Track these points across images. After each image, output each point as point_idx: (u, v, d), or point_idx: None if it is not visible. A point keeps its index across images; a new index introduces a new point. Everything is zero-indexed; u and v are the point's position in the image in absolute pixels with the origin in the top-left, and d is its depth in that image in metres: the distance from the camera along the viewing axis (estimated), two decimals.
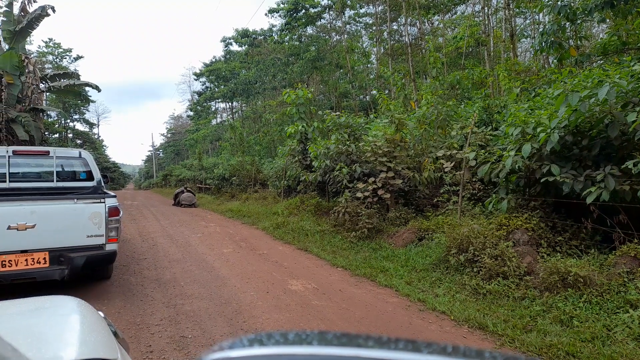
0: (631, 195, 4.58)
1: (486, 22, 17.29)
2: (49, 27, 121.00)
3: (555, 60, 9.60)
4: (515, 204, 6.12)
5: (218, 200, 19.85)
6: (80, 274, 5.10)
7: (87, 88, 19.30)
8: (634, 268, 4.26)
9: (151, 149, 67.56)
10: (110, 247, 5.24)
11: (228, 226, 11.70)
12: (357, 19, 27.17)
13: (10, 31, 16.10)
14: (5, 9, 16.53)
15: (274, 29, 27.95)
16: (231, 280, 5.88)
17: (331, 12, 24.78)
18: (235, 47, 33.76)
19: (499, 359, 0.57)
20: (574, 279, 4.29)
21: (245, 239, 9.47)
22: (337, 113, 10.68)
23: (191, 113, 48.05)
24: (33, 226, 4.76)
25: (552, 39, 8.24)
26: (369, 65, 26.74)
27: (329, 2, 23.38)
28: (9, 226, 4.64)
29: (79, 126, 46.23)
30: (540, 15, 15.76)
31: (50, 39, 38.20)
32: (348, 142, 9.61)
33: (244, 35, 29.91)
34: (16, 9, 16.69)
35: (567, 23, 8.26)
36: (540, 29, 9.26)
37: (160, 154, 69.75)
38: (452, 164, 8.05)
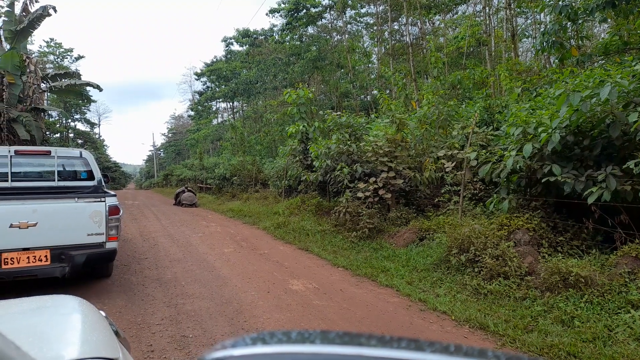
0: (632, 195, 4.58)
1: (487, 22, 17.28)
2: (50, 27, 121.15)
3: (556, 60, 9.59)
4: (517, 204, 6.11)
5: (219, 200, 19.86)
6: (81, 271, 5.18)
7: (88, 88, 19.30)
8: (635, 268, 4.26)
9: (152, 148, 67.60)
10: (110, 245, 5.34)
11: (229, 226, 11.71)
12: (358, 19, 27.17)
13: (12, 31, 16.12)
14: (6, 9, 16.56)
15: (275, 28, 27.99)
16: (232, 280, 5.88)
17: (332, 12, 24.78)
18: (236, 47, 33.82)
19: (501, 358, 0.57)
20: (575, 279, 4.28)
21: (246, 238, 9.47)
22: (338, 113, 10.68)
23: (192, 113, 48.09)
24: (35, 224, 4.85)
25: (554, 38, 8.24)
26: (370, 65, 26.74)
27: (330, 2, 23.38)
28: (11, 224, 4.74)
29: (80, 126, 46.33)
30: (542, 15, 15.74)
31: (52, 39, 38.25)
32: (349, 142, 9.61)
33: (244, 35, 29.94)
34: (17, 9, 16.71)
35: (569, 23, 8.25)
36: (542, 29, 9.26)
37: (161, 154, 69.79)
38: (453, 164, 8.04)
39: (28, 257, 4.85)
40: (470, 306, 4.51)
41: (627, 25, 8.16)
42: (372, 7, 26.02)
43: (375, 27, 26.45)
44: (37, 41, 42.58)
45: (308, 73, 23.70)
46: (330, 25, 26.29)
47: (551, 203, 5.87)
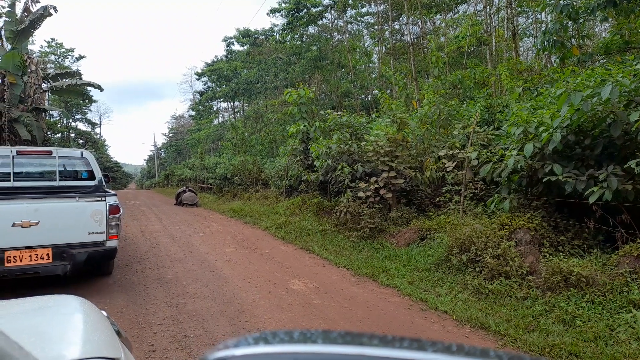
0: (634, 194, 4.57)
1: (488, 21, 17.25)
2: (51, 27, 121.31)
3: (557, 60, 9.57)
4: (518, 203, 6.10)
5: (220, 200, 19.86)
6: (82, 269, 5.27)
7: (89, 88, 19.31)
8: (636, 268, 4.25)
9: (153, 148, 67.61)
10: (110, 243, 5.44)
11: (230, 226, 11.71)
12: (359, 19, 27.15)
13: (13, 31, 16.14)
14: (7, 9, 16.57)
15: (276, 28, 27.97)
16: (233, 280, 5.89)
17: (333, 12, 24.77)
18: (236, 47, 33.81)
19: (503, 358, 0.57)
20: (577, 278, 4.28)
21: (247, 238, 9.48)
22: (339, 113, 10.68)
23: (193, 113, 48.10)
24: (37, 223, 4.94)
25: (555, 38, 8.22)
26: (370, 65, 26.73)
27: (331, 1, 23.36)
28: (14, 223, 4.83)
29: (81, 126, 46.37)
30: (543, 14, 15.73)
31: (53, 39, 38.27)
32: (350, 142, 9.60)
33: (245, 35, 29.93)
34: (19, 9, 16.74)
35: (570, 22, 8.24)
36: (543, 28, 9.25)
37: (162, 154, 69.79)
38: (454, 164, 8.04)
39: (30, 256, 4.93)
40: (471, 306, 4.51)
41: (628, 24, 8.15)
42: (372, 6, 26.01)
43: (375, 27, 26.43)
44: (38, 41, 42.74)
45: (309, 73, 23.70)
46: (331, 24, 26.28)
47: (552, 202, 5.86)
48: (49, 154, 6.33)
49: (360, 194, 8.54)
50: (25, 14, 16.51)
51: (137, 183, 77.12)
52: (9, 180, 6.03)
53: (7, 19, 16.35)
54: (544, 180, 5.39)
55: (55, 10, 16.28)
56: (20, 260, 4.88)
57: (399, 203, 8.88)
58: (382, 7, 24.73)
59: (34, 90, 16.23)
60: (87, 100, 26.43)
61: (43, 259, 5.01)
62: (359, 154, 9.36)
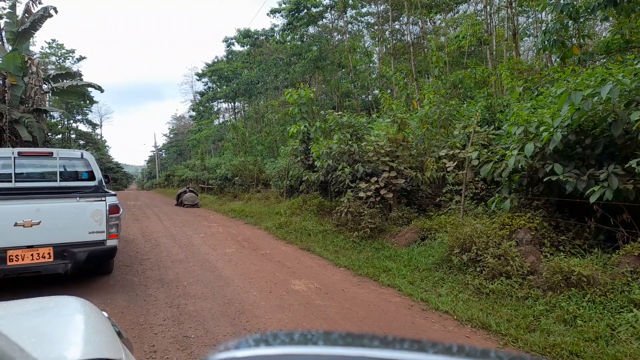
0: (635, 194, 4.57)
1: (488, 21, 17.24)
2: (52, 29, 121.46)
3: (558, 59, 9.57)
4: (518, 203, 6.10)
5: (220, 201, 19.87)
6: (82, 268, 5.37)
7: (89, 89, 19.32)
8: (637, 267, 4.25)
9: (154, 149, 67.63)
10: (110, 242, 5.56)
11: (231, 226, 11.72)
12: (359, 19, 27.14)
13: (14, 32, 16.16)
14: (8, 10, 16.60)
15: (276, 29, 27.98)
16: (234, 280, 5.89)
17: (333, 12, 24.77)
18: (237, 47, 33.84)
19: (504, 358, 0.56)
20: (578, 278, 4.27)
21: (248, 239, 9.48)
22: (340, 113, 10.68)
23: (193, 113, 48.12)
24: (38, 223, 5.05)
25: (555, 37, 8.22)
26: (371, 65, 26.71)
27: (331, 1, 23.37)
28: (16, 223, 4.93)
29: (82, 127, 46.39)
30: (543, 13, 15.72)
31: (53, 40, 38.27)
32: (350, 142, 9.60)
33: (245, 36, 29.95)
34: (19, 11, 16.76)
35: (570, 21, 8.24)
36: (543, 28, 9.24)
37: (163, 154, 69.83)
38: (455, 164, 8.03)
39: (32, 255, 5.03)
40: (472, 306, 4.51)
41: (629, 23, 8.15)
42: (373, 6, 26.01)
43: (376, 27, 26.42)
44: (39, 42, 42.78)
45: (309, 73, 23.70)
46: (331, 25, 26.28)
47: (553, 202, 5.86)
48: (50, 155, 6.42)
49: (361, 194, 8.54)
50: (26, 15, 16.54)
51: (138, 184, 77.16)
52: (11, 181, 6.12)
53: (8, 20, 16.38)
54: (545, 179, 5.39)
55: (56, 11, 16.31)
56: (22, 259, 4.98)
57: (400, 203, 8.88)
58: (382, 7, 24.72)
59: (35, 91, 16.26)
60: (87, 101, 26.43)
61: (44, 257, 5.10)
62: (359, 154, 9.36)
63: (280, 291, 5.37)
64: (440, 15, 22.65)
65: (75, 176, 6.77)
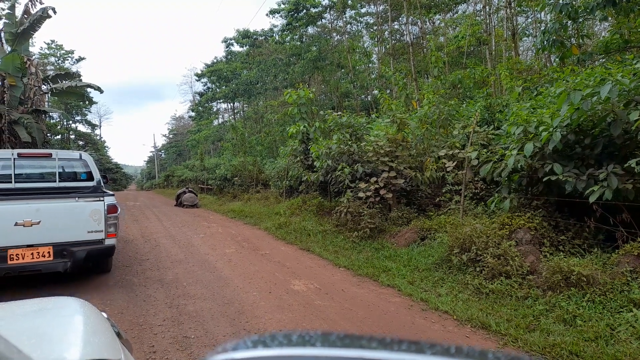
0: (634, 193, 4.57)
1: (487, 21, 17.26)
2: (51, 29, 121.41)
3: (557, 59, 9.58)
4: (518, 203, 6.10)
5: (220, 201, 19.87)
6: (81, 266, 5.49)
7: (89, 89, 19.31)
8: (637, 267, 4.25)
9: (153, 149, 67.57)
10: (109, 241, 5.67)
11: (230, 227, 11.71)
12: (358, 19, 27.16)
13: (13, 33, 16.14)
14: (7, 11, 16.58)
15: (275, 29, 28.00)
16: (234, 281, 5.88)
17: (332, 12, 24.78)
18: (236, 48, 33.86)
19: (502, 359, 0.56)
20: (577, 278, 4.28)
21: (248, 239, 9.47)
22: (339, 113, 10.68)
23: (193, 114, 48.12)
24: (38, 222, 5.16)
25: (554, 37, 8.23)
26: (370, 65, 26.73)
27: (330, 2, 23.37)
28: (16, 223, 5.05)
29: (81, 127, 46.39)
30: (542, 13, 15.73)
31: (53, 41, 38.28)
32: (350, 142, 9.60)
33: (245, 36, 29.96)
34: (19, 12, 16.74)
35: (569, 21, 8.24)
36: (542, 28, 9.24)
37: (162, 155, 69.81)
38: (454, 164, 8.03)
39: (32, 254, 5.15)
40: (472, 306, 4.51)
41: (628, 23, 8.16)
42: (372, 6, 26.01)
43: (375, 27, 26.44)
44: (38, 43, 42.70)
45: (308, 73, 23.71)
46: (330, 25, 26.29)
47: (552, 202, 5.86)
48: (49, 156, 6.53)
49: (361, 194, 8.54)
50: (25, 16, 16.52)
51: (137, 184, 77.14)
52: (11, 182, 6.22)
53: (7, 21, 16.36)
54: (544, 179, 5.39)
55: (54, 12, 16.29)
56: (23, 258, 5.09)
57: (399, 203, 8.88)
58: (381, 8, 24.74)
59: (34, 92, 16.24)
60: (87, 102, 26.44)
61: (44, 256, 5.21)
62: (359, 154, 9.36)
63: (279, 291, 5.36)
64: (440, 15, 22.66)
65: (74, 177, 6.83)
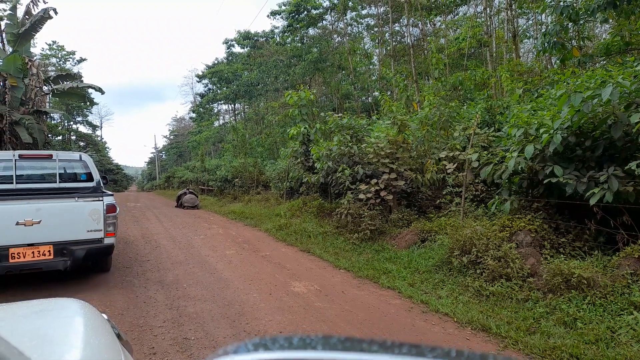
0: (635, 196, 4.57)
1: (488, 23, 17.26)
2: (53, 30, 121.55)
3: (557, 61, 9.58)
4: (518, 205, 6.10)
5: (220, 202, 19.87)
6: (81, 264, 5.62)
7: (90, 90, 19.35)
8: (638, 269, 4.24)
9: (154, 150, 67.64)
10: (108, 240, 5.79)
11: (230, 228, 11.71)
12: (359, 20, 27.19)
13: (14, 34, 16.19)
14: (9, 12, 16.62)
15: (276, 30, 28.01)
16: (234, 282, 5.88)
17: (333, 14, 24.80)
18: (237, 49, 33.86)
19: None
20: (578, 280, 4.27)
21: (248, 240, 9.47)
22: (340, 114, 10.70)
23: (193, 115, 48.15)
24: (39, 222, 5.28)
25: (555, 39, 8.23)
26: (371, 67, 26.75)
27: (331, 3, 23.40)
28: (18, 222, 5.18)
29: (82, 128, 46.45)
30: (543, 15, 15.73)
31: (54, 42, 38.39)
32: (350, 144, 9.61)
33: (246, 37, 29.97)
34: (20, 13, 16.78)
35: (570, 23, 8.25)
36: (543, 30, 9.26)
37: (163, 156, 69.86)
38: (455, 166, 8.03)
39: (33, 252, 5.27)
40: (472, 308, 4.50)
41: (629, 25, 8.16)
42: (372, 8, 26.05)
43: (376, 29, 26.46)
44: (39, 44, 42.80)
45: (309, 75, 23.73)
46: (331, 27, 26.32)
47: (553, 204, 5.85)
48: (50, 157, 6.61)
49: (361, 196, 8.54)
50: (27, 16, 16.56)
51: (138, 185, 77.21)
52: (12, 183, 6.31)
53: (8, 22, 16.40)
54: (545, 181, 5.38)
55: (56, 12, 16.33)
56: (24, 257, 5.22)
57: (400, 205, 8.88)
58: (382, 9, 24.76)
59: (35, 92, 16.27)
60: (88, 103, 26.48)
61: (45, 255, 5.33)
62: (359, 155, 9.36)
63: (280, 293, 5.36)
64: (440, 17, 22.69)
65: (74, 177, 6.92)
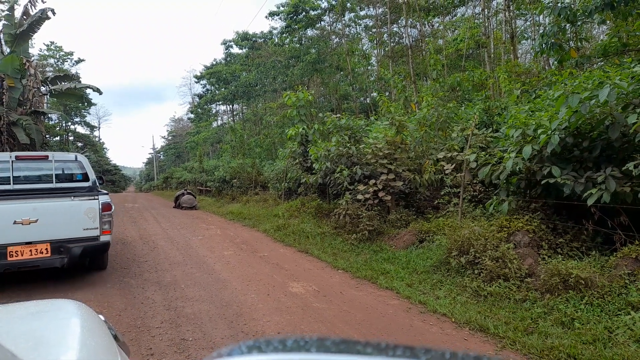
0: (632, 196, 4.58)
1: (486, 24, 17.30)
2: (51, 31, 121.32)
3: (555, 62, 9.60)
4: (516, 205, 6.11)
5: (219, 203, 19.85)
6: (78, 262, 5.75)
7: (88, 91, 19.33)
8: (635, 270, 4.25)
9: (152, 151, 67.59)
10: (104, 238, 5.92)
11: (229, 228, 11.70)
12: (357, 21, 27.21)
13: (12, 34, 16.14)
14: (6, 12, 16.58)
15: (274, 31, 28.02)
16: (232, 283, 5.87)
17: (331, 15, 24.81)
18: (235, 50, 33.90)
19: None
20: (575, 280, 4.28)
21: (246, 241, 9.46)
22: (338, 115, 10.69)
23: (192, 115, 48.10)
24: (36, 221, 5.39)
25: (553, 40, 8.25)
26: (369, 68, 26.77)
27: (329, 5, 23.41)
28: (15, 221, 5.30)
29: (80, 129, 46.35)
30: (541, 17, 15.77)
31: (52, 42, 38.31)
32: (348, 145, 9.61)
33: (244, 38, 29.99)
34: (18, 13, 16.74)
35: (568, 25, 8.27)
36: (541, 31, 9.28)
37: (161, 157, 69.77)
38: (453, 166, 8.04)
39: (31, 250, 5.40)
40: (470, 308, 4.51)
41: (626, 26, 8.17)
42: (371, 9, 26.08)
43: (374, 30, 26.50)
44: (37, 44, 42.70)
45: (307, 75, 23.73)
46: (329, 27, 26.33)
47: (551, 205, 5.86)
48: (46, 158, 6.70)
49: (359, 197, 8.54)
50: (24, 17, 16.52)
51: (136, 186, 77.08)
52: (9, 184, 6.37)
53: (6, 23, 16.35)
54: (543, 182, 5.39)
55: (54, 13, 16.30)
56: (22, 255, 5.34)
57: (398, 205, 8.88)
58: (380, 10, 24.80)
59: (33, 93, 16.25)
60: (86, 104, 26.44)
61: (42, 253, 5.45)
62: (357, 156, 9.36)
63: (278, 294, 5.36)
64: (439, 18, 22.72)
65: (70, 178, 7.00)
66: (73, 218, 5.68)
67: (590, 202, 4.70)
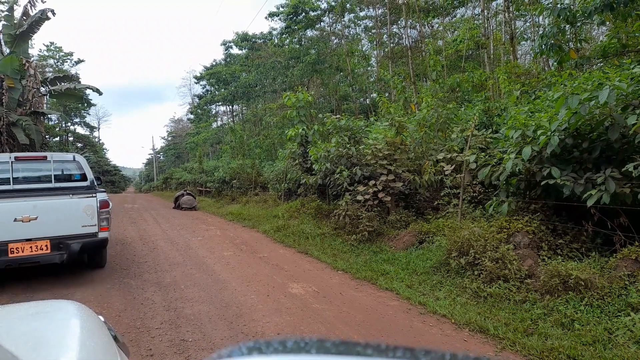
0: (632, 197, 4.58)
1: (486, 25, 17.31)
2: (51, 31, 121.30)
3: (555, 63, 9.61)
4: (516, 206, 6.11)
5: (218, 204, 19.85)
6: (77, 258, 5.90)
7: (88, 91, 19.33)
8: (635, 271, 4.25)
9: (152, 152, 67.59)
10: (102, 234, 6.06)
11: (228, 229, 11.70)
12: (357, 22, 27.21)
13: (12, 35, 16.15)
14: (6, 13, 16.59)
15: (274, 32, 28.00)
16: (232, 284, 5.87)
17: (331, 15, 24.82)
18: (235, 51, 33.82)
19: None
20: (575, 282, 4.28)
21: (246, 242, 9.46)
22: (338, 116, 10.69)
23: (192, 116, 48.06)
24: (36, 218, 5.54)
25: (552, 41, 8.26)
26: (369, 68, 26.78)
27: (329, 5, 23.42)
28: (15, 218, 5.43)
29: (80, 129, 46.33)
30: (540, 18, 15.80)
31: (52, 43, 38.28)
32: (348, 145, 9.61)
33: (244, 39, 29.96)
34: (17, 14, 16.75)
35: (567, 26, 8.28)
36: (540, 32, 9.29)
37: (161, 157, 69.72)
38: (453, 167, 8.04)
39: (31, 247, 5.53)
40: (470, 309, 4.50)
41: (626, 28, 8.18)
42: (370, 10, 26.09)
43: (374, 30, 26.51)
44: (37, 45, 42.66)
45: (307, 76, 23.73)
46: (329, 28, 26.34)
47: (550, 206, 5.87)
48: (44, 158, 6.83)
49: (359, 197, 8.54)
50: (24, 17, 16.53)
51: (136, 186, 77.04)
52: (9, 184, 6.47)
53: (5, 23, 16.37)
54: (542, 183, 5.39)
55: (54, 14, 16.32)
56: (22, 251, 5.47)
57: (398, 206, 8.88)
58: (380, 11, 24.81)
59: (33, 94, 16.25)
60: (85, 104, 26.44)
61: (42, 249, 5.59)
62: (357, 157, 9.37)
63: (278, 294, 5.35)
64: (438, 19, 22.74)
65: (69, 178, 7.09)
66: (72, 215, 5.81)
67: (589, 203, 4.70)
